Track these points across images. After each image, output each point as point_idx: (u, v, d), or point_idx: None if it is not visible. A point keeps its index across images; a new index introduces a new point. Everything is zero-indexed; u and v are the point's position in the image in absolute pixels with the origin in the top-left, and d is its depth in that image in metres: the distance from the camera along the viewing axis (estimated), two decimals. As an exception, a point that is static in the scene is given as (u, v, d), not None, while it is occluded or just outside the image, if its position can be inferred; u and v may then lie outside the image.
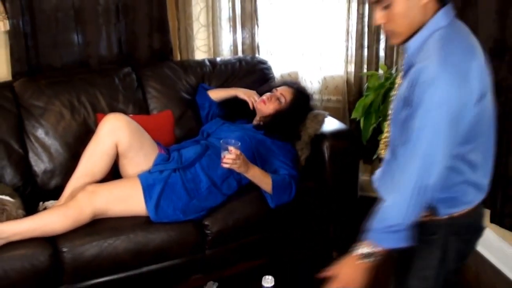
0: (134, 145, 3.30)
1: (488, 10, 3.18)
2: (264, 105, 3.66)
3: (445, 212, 2.08)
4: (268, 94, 3.71)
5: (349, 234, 3.08)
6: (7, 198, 3.08)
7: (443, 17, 1.95)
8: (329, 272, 2.10)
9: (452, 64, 1.83)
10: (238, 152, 3.09)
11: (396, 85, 2.18)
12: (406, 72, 2.01)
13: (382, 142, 2.31)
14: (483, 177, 2.11)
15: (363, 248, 2.02)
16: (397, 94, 2.07)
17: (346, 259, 2.07)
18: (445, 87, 1.81)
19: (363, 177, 4.35)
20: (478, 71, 1.89)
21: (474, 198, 2.11)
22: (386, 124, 2.26)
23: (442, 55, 1.84)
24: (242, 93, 3.82)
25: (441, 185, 1.95)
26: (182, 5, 4.13)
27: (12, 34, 3.70)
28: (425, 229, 2.07)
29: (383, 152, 2.28)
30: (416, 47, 1.97)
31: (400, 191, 1.94)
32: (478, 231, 2.21)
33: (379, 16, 1.99)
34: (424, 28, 1.95)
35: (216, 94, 3.89)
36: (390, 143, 2.15)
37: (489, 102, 1.98)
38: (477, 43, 1.98)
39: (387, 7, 1.96)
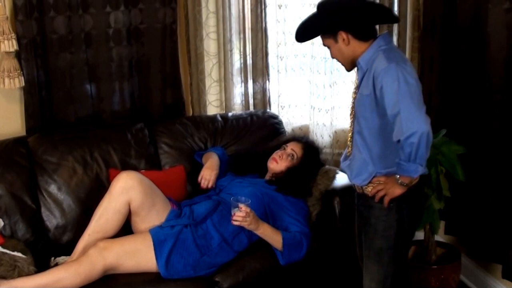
0: (146, 203, 3.32)
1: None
2: (276, 163, 3.63)
3: None
4: (278, 152, 3.68)
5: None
6: (19, 254, 3.11)
7: (382, 41, 2.74)
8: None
9: (395, 60, 2.61)
10: (248, 209, 3.12)
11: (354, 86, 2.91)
12: (361, 78, 2.76)
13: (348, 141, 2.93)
14: None
15: (399, 180, 2.69)
16: (358, 92, 2.79)
17: (388, 179, 2.74)
18: (395, 70, 2.56)
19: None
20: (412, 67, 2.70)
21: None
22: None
23: (386, 57, 2.63)
24: (204, 168, 3.72)
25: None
26: (195, 61, 4.20)
27: (27, 90, 3.75)
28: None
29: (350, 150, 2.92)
30: (366, 61, 2.73)
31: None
32: (424, 197, 3.07)
33: (330, 54, 2.85)
34: (369, 48, 2.73)
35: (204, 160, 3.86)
36: (356, 134, 2.83)
37: None
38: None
39: (329, 48, 2.82)
